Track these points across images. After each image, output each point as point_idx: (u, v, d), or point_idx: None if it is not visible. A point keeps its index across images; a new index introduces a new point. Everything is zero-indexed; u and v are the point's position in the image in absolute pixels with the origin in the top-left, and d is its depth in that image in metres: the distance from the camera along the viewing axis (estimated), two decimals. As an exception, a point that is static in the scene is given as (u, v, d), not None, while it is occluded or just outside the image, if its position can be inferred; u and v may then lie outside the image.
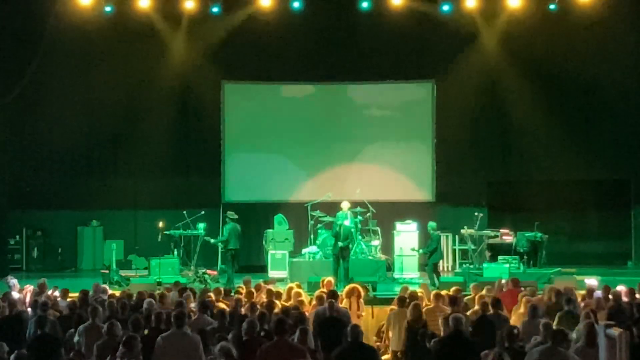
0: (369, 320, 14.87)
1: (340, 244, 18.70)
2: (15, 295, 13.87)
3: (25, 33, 21.20)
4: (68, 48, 21.92)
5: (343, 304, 13.14)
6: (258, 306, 11.86)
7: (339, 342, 9.96)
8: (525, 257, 20.19)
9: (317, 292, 13.42)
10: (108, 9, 20.89)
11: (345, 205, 19.60)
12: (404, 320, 11.54)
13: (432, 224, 19.22)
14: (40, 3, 20.82)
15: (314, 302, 12.90)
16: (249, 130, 22.89)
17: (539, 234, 20.34)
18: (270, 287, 14.69)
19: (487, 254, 20.52)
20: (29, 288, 14.66)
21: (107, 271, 19.90)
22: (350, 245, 19.27)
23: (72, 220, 22.98)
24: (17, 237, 22.56)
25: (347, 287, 14.13)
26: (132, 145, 22.87)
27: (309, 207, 20.91)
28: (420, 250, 19.74)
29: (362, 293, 14.11)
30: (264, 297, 13.42)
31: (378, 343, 12.79)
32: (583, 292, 13.83)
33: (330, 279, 15.07)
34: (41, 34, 21.02)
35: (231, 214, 19.59)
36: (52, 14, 20.83)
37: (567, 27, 21.54)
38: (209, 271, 20.08)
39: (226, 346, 8.98)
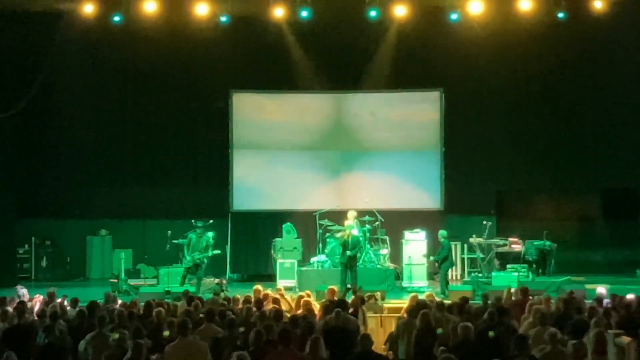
0: (378, 329, 14.84)
1: (348, 252, 18.69)
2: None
3: (33, 43, 21.32)
4: (77, 58, 22.07)
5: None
6: (267, 315, 11.82)
7: (345, 352, 9.92)
8: (534, 265, 20.13)
9: (322, 302, 13.41)
10: (117, 18, 20.95)
11: (351, 214, 19.58)
12: (413, 329, 11.50)
13: (442, 232, 19.24)
14: (47, 12, 20.95)
15: (319, 312, 12.85)
16: (258, 140, 22.85)
17: (548, 243, 20.28)
18: (278, 296, 14.64)
19: (496, 262, 20.44)
20: (39, 297, 14.66)
21: (115, 280, 19.93)
22: (358, 254, 19.27)
23: (81, 229, 23.03)
24: (26, 246, 22.60)
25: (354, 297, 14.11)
26: (140, 155, 22.98)
27: (317, 216, 20.92)
28: (431, 258, 19.72)
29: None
30: (271, 306, 13.37)
31: (386, 352, 12.73)
32: (594, 304, 13.74)
33: (334, 287, 15.00)
34: (49, 44, 21.13)
35: (202, 223, 19.75)
36: (61, 17, 20.97)
37: (576, 35, 21.55)
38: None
39: (243, 354, 8.86)
